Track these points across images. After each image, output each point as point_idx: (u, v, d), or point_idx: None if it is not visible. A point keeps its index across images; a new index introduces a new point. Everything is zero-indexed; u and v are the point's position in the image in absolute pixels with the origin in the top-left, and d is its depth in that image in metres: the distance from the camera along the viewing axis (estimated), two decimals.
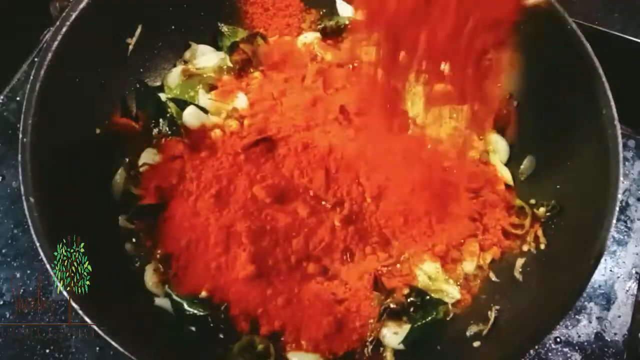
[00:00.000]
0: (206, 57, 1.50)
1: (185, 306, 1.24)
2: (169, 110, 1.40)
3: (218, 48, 1.53)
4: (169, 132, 1.39)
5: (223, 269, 1.24)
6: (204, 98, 1.44)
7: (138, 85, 1.44)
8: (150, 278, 1.29)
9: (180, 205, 1.31)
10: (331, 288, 1.27)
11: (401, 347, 1.25)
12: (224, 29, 1.52)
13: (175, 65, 1.51)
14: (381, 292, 1.27)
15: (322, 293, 1.25)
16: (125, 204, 1.33)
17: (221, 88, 1.44)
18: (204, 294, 1.24)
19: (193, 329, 1.25)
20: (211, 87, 1.45)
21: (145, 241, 1.32)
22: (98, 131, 1.37)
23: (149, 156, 1.38)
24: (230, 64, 1.48)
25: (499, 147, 1.44)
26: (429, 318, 1.26)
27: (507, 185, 1.39)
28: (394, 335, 1.25)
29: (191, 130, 1.40)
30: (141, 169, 1.35)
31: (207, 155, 1.35)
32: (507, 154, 1.44)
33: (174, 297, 1.25)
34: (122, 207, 1.34)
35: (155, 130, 1.40)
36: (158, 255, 1.30)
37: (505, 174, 1.40)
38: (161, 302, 1.27)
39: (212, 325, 1.24)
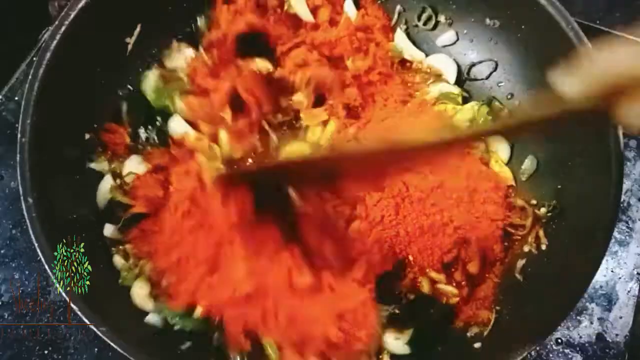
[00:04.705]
0: (179, 56, 1.42)
1: (175, 322, 1.22)
2: (158, 118, 1.38)
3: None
4: (157, 141, 1.37)
5: (216, 286, 1.19)
6: (180, 104, 1.37)
7: (131, 89, 1.42)
8: (138, 294, 1.26)
9: (168, 219, 1.26)
10: (334, 299, 1.23)
11: (404, 351, 1.25)
12: (201, 20, 1.43)
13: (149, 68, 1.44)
14: (385, 301, 1.26)
15: (326, 304, 1.22)
16: (111, 212, 1.31)
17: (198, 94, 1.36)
18: (199, 310, 1.20)
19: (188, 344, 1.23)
20: (188, 92, 1.38)
21: (135, 254, 1.29)
22: (87, 136, 1.35)
23: (133, 165, 1.35)
24: (207, 60, 1.38)
25: (499, 147, 1.43)
26: (433, 320, 1.26)
27: (508, 186, 1.39)
28: (395, 340, 1.25)
29: (178, 141, 1.36)
30: (126, 178, 1.32)
31: (192, 167, 1.30)
32: (508, 154, 1.44)
33: (165, 313, 1.22)
34: (108, 216, 1.31)
35: (143, 138, 1.38)
36: (147, 269, 1.26)
37: (507, 174, 1.40)
38: (151, 318, 1.24)
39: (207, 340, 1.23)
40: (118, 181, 1.32)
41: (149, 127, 1.39)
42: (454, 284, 1.29)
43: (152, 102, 1.40)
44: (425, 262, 1.28)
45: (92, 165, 1.36)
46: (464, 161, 1.35)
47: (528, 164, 1.40)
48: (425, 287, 1.27)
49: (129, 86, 1.42)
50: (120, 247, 1.30)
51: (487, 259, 1.31)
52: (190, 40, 1.46)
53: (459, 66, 1.50)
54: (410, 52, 1.51)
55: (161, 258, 1.25)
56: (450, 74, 1.49)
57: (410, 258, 1.30)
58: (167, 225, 1.25)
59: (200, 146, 1.34)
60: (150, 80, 1.40)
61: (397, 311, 1.26)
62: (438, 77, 1.50)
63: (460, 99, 1.47)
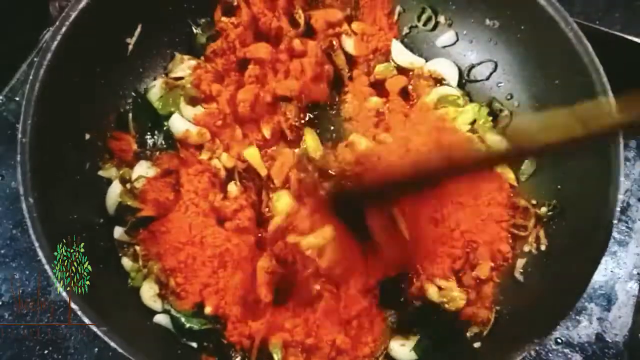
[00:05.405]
0: (182, 66, 1.45)
1: (184, 321, 1.22)
2: (165, 123, 1.40)
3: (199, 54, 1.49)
4: (165, 146, 1.38)
5: (222, 288, 1.21)
6: (187, 111, 1.39)
7: (134, 95, 1.43)
8: (147, 294, 1.27)
9: (177, 220, 1.28)
10: (341, 305, 1.24)
11: (410, 358, 1.25)
12: (197, 30, 1.48)
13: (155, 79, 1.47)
14: (390, 306, 1.27)
15: (332, 311, 1.23)
16: (120, 217, 1.32)
17: (203, 100, 1.39)
18: (208, 309, 1.21)
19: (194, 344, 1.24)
20: (193, 99, 1.41)
21: (143, 255, 1.29)
22: (88, 137, 1.36)
23: (142, 169, 1.36)
24: (209, 67, 1.42)
25: (499, 147, 1.43)
26: (438, 327, 1.26)
27: (510, 186, 1.39)
28: (401, 347, 1.25)
29: (183, 141, 1.37)
30: (136, 183, 1.33)
31: (202, 170, 1.33)
32: None
33: (173, 312, 1.23)
34: (118, 220, 1.32)
35: (150, 143, 1.40)
36: (156, 270, 1.27)
37: (509, 174, 1.39)
38: (159, 318, 1.26)
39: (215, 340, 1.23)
40: (128, 186, 1.33)
41: (156, 132, 1.40)
42: (462, 288, 1.29)
43: (159, 110, 1.41)
44: (435, 271, 1.28)
45: (100, 172, 1.36)
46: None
47: (528, 164, 1.40)
48: (432, 294, 1.27)
49: (132, 92, 1.43)
50: (130, 249, 1.31)
51: (495, 261, 1.31)
52: (192, 52, 1.48)
53: (459, 68, 1.51)
54: (409, 60, 1.51)
55: (170, 258, 1.25)
56: (452, 78, 1.49)
57: (418, 267, 1.29)
58: (176, 226, 1.26)
59: (203, 140, 1.37)
60: (156, 89, 1.43)
61: (402, 317, 1.26)
62: (440, 81, 1.50)
63: (461, 101, 1.47)
